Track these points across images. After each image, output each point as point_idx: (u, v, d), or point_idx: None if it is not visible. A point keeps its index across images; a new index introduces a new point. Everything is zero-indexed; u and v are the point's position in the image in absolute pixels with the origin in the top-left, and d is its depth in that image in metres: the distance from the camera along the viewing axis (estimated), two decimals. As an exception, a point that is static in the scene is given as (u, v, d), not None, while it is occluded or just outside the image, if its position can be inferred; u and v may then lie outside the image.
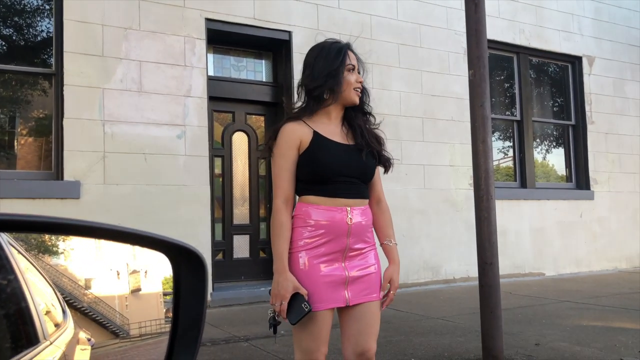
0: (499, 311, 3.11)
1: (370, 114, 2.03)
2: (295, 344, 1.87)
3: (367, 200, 1.95)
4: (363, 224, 1.89)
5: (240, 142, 5.98)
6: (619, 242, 7.85)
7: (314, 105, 1.92)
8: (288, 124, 1.90)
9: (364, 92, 2.00)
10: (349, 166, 1.88)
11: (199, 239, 5.11)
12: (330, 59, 1.91)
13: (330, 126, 1.93)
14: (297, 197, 1.91)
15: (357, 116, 1.98)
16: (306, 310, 1.72)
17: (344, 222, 1.84)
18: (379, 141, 2.00)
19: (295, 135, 1.87)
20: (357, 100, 1.94)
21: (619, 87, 8.15)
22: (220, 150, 5.83)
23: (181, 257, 0.84)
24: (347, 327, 1.89)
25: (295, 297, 1.74)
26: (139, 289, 0.97)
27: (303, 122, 1.90)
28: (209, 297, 5.13)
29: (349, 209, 1.85)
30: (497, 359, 3.05)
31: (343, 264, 1.85)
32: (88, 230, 0.78)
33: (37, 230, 0.81)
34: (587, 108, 7.85)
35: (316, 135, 1.88)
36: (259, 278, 5.74)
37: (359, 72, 1.97)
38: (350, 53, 1.95)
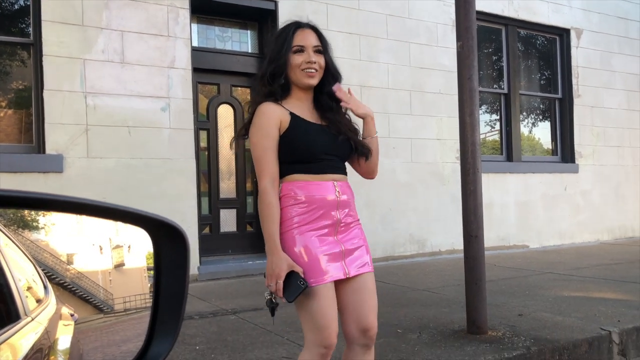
0: (484, 283, 3.16)
1: (333, 97, 1.93)
2: (304, 324, 1.84)
3: (346, 177, 1.96)
4: (349, 197, 1.91)
5: (225, 115, 5.90)
6: (601, 215, 7.98)
7: (278, 91, 1.89)
8: (266, 103, 1.87)
9: (329, 71, 1.92)
10: (329, 145, 1.88)
11: (185, 213, 5.08)
12: (277, 43, 1.90)
13: (304, 108, 1.92)
14: (280, 179, 1.87)
15: (322, 99, 1.95)
16: (303, 286, 1.72)
17: (333, 195, 1.85)
18: (353, 130, 1.96)
19: (275, 115, 1.84)
20: (309, 81, 1.88)
21: (606, 60, 8.16)
22: (205, 123, 5.76)
23: (161, 232, 0.83)
24: (345, 302, 1.88)
25: (290, 276, 1.74)
26: (122, 264, 0.96)
27: (279, 104, 1.88)
28: (196, 271, 5.13)
29: (335, 183, 1.87)
30: (481, 330, 3.11)
31: (336, 237, 1.86)
32: (67, 206, 0.76)
33: (16, 206, 0.79)
34: (574, 81, 7.86)
35: (293, 116, 1.87)
36: (246, 252, 5.74)
37: (321, 52, 1.90)
38: (300, 33, 1.90)
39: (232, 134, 5.92)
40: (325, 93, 1.95)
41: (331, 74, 1.94)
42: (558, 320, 3.44)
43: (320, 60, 1.90)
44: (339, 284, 1.86)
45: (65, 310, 0.91)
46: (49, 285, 0.91)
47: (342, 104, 1.93)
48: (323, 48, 1.92)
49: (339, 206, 1.86)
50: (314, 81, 1.89)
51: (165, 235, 0.82)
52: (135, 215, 0.81)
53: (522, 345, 2.93)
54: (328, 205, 1.84)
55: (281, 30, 1.94)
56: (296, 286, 1.72)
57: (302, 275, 1.74)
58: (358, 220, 1.97)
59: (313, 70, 1.88)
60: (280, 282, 1.73)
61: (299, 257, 1.78)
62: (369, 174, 2.05)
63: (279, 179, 1.85)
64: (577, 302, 3.95)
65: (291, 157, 1.85)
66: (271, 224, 1.79)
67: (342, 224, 1.87)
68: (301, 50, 1.88)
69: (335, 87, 1.93)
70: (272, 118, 1.84)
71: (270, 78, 1.89)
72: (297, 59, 1.87)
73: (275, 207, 1.80)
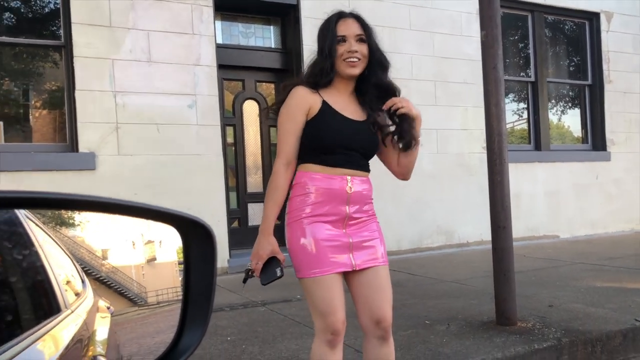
0: (512, 274, 3.13)
1: (383, 85, 1.94)
2: (312, 313, 1.88)
3: (367, 173, 1.95)
4: (363, 193, 1.90)
5: (251, 111, 5.96)
6: (635, 203, 7.77)
7: (322, 81, 1.90)
8: (301, 87, 1.89)
9: (374, 59, 1.90)
10: (352, 141, 1.88)
11: (214, 207, 5.17)
12: (322, 35, 1.92)
13: (340, 99, 1.92)
14: (298, 165, 1.90)
15: (367, 90, 1.94)
16: (278, 275, 1.80)
17: (344, 190, 1.85)
18: (385, 119, 1.97)
19: (305, 100, 1.86)
20: (351, 71, 1.88)
21: (638, 43, 7.91)
22: (231, 119, 5.83)
23: (190, 229, 0.86)
24: (358, 295, 1.91)
25: (272, 261, 1.81)
26: (154, 259, 0.99)
27: (315, 90, 1.90)
28: (226, 264, 5.22)
29: (349, 177, 1.87)
30: (511, 321, 3.09)
31: (345, 230, 1.87)
32: (97, 206, 0.80)
33: (50, 207, 0.83)
34: (604, 67, 7.65)
35: (325, 105, 1.87)
36: (273, 245, 5.80)
37: (364, 40, 1.89)
38: (343, 22, 1.90)
39: (258, 129, 5.98)
40: (374, 84, 1.93)
41: (377, 61, 1.92)
42: (590, 311, 3.38)
43: (363, 49, 1.89)
44: (350, 276, 1.89)
45: (102, 303, 0.95)
46: (86, 280, 0.95)
47: (400, 110, 1.89)
48: (366, 36, 1.90)
49: (350, 201, 1.86)
50: (357, 71, 1.89)
51: (193, 232, 0.85)
52: (164, 214, 0.84)
53: (552, 336, 2.90)
54: (337, 198, 1.84)
55: (325, 22, 1.95)
56: (272, 272, 1.80)
57: (282, 265, 1.81)
58: (374, 215, 1.96)
59: (355, 60, 1.87)
60: (260, 264, 1.81)
61: (305, 247, 1.81)
62: (404, 174, 2.05)
63: (295, 163, 1.88)
64: (610, 293, 3.88)
65: (310, 144, 1.87)
66: (272, 205, 1.84)
67: (351, 219, 1.88)
68: (343, 40, 1.88)
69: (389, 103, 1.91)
70: (302, 103, 1.86)
71: (320, 73, 1.89)
72: (339, 50, 1.88)
73: (281, 190, 1.85)
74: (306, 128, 1.86)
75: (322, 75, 1.89)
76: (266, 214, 1.84)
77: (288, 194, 1.90)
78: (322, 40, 1.91)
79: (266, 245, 1.81)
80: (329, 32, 1.90)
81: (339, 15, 1.93)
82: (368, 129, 1.92)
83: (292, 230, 1.85)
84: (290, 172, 1.87)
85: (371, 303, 1.89)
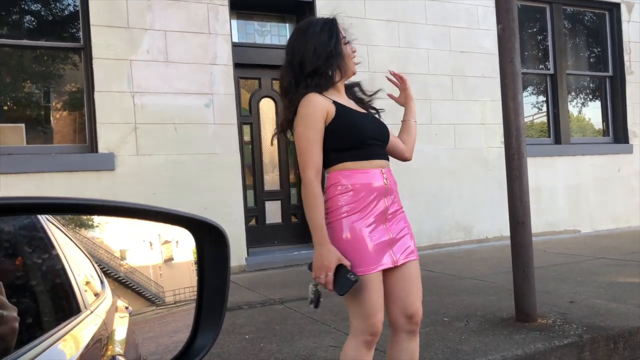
0: (532, 270, 3.10)
1: (358, 86, 2.08)
2: (352, 312, 1.86)
3: (389, 163, 1.99)
4: (394, 183, 1.95)
5: (267, 109, 5.98)
6: (659, 196, 7.62)
7: (325, 83, 1.89)
8: (313, 94, 1.85)
9: None
10: (375, 131, 1.93)
11: (232, 206, 5.21)
12: (326, 37, 1.89)
13: (343, 98, 1.96)
14: (326, 169, 1.90)
15: (350, 90, 2.04)
16: (353, 280, 1.71)
17: (382, 183, 1.86)
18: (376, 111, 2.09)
19: (322, 106, 1.84)
20: (356, 70, 1.99)
21: (660, 34, 7.74)
22: (248, 118, 5.86)
23: (202, 231, 0.87)
24: (393, 288, 1.89)
25: (339, 268, 1.73)
26: (171, 259, 1.01)
27: (323, 94, 1.89)
28: (243, 262, 5.26)
29: (383, 170, 1.89)
30: (530, 317, 3.06)
31: (385, 226, 1.86)
32: (112, 210, 0.81)
33: (63, 212, 0.85)
34: (625, 58, 7.50)
35: (338, 105, 1.87)
36: (291, 242, 5.83)
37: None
38: (340, 26, 1.96)
39: (275, 127, 5.99)
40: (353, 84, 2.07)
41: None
42: (612, 307, 3.33)
43: None
44: (386, 271, 1.87)
45: (121, 303, 0.97)
46: (105, 280, 0.97)
47: (401, 85, 2.14)
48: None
49: (387, 193, 1.87)
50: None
51: (206, 234, 0.87)
52: (176, 217, 0.85)
53: (573, 333, 2.86)
54: (377, 192, 1.84)
55: (322, 23, 1.93)
56: (346, 279, 1.72)
57: (351, 269, 1.74)
58: (402, 207, 1.98)
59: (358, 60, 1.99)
60: (331, 275, 1.72)
61: (348, 246, 1.78)
62: (406, 152, 2.11)
63: (321, 170, 1.86)
64: (633, 289, 3.81)
65: (341, 145, 1.85)
66: (318, 214, 1.78)
67: (390, 212, 1.88)
68: (347, 41, 1.96)
69: (392, 72, 2.15)
70: (319, 110, 1.83)
71: (317, 71, 1.87)
72: (347, 50, 1.94)
73: (320, 198, 1.80)
74: (328, 132, 1.84)
75: (331, 77, 1.89)
76: (317, 224, 1.77)
77: None
78: (322, 40, 1.88)
79: (330, 254, 1.73)
80: (332, 32, 1.91)
81: (333, 18, 1.97)
82: (376, 118, 2.01)
83: (334, 230, 1.81)
84: (320, 179, 1.85)
85: (404, 298, 1.89)
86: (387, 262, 1.83)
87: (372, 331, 1.81)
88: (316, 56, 1.86)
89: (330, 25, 1.93)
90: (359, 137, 1.85)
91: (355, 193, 1.82)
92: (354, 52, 1.97)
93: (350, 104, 1.96)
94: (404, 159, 2.13)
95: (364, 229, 1.80)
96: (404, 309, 1.89)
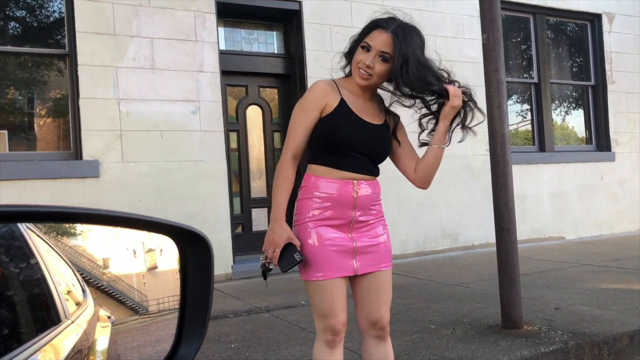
0: (517, 277, 3.12)
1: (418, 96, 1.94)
2: (313, 314, 1.93)
3: (375, 177, 1.94)
4: (370, 196, 1.89)
5: (254, 116, 5.97)
6: (641, 204, 7.73)
7: (348, 70, 1.96)
8: (322, 81, 1.91)
9: (401, 81, 1.83)
10: (362, 144, 1.87)
11: (218, 213, 5.18)
12: (360, 32, 1.91)
13: (359, 100, 1.91)
14: (308, 164, 1.92)
15: (379, 99, 1.99)
16: (298, 260, 1.77)
17: (350, 195, 1.85)
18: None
19: (322, 97, 1.86)
20: (360, 82, 1.86)
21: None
22: (234, 125, 5.84)
23: (186, 239, 0.86)
24: (358, 297, 1.95)
25: (288, 247, 1.79)
26: (155, 267, 0.99)
27: (335, 86, 1.90)
28: (229, 270, 5.22)
29: (355, 182, 1.86)
30: (517, 324, 3.07)
31: (350, 235, 1.88)
32: (94, 218, 0.80)
33: (44, 220, 0.83)
34: (607, 67, 7.63)
35: (342, 103, 1.87)
36: (278, 250, 5.80)
37: (386, 60, 1.83)
38: (378, 33, 1.84)
39: (262, 135, 5.99)
40: (404, 94, 1.91)
41: (408, 83, 1.85)
42: (597, 313, 3.36)
43: (381, 68, 1.84)
44: (352, 279, 1.92)
45: (103, 313, 0.96)
46: (87, 289, 0.95)
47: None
48: (393, 57, 1.83)
49: (356, 206, 1.86)
50: (365, 83, 1.87)
51: (189, 242, 0.86)
52: (159, 225, 0.84)
53: (559, 339, 2.88)
54: (343, 203, 1.84)
55: (370, 22, 1.91)
56: (291, 258, 1.78)
57: (299, 249, 1.79)
58: (381, 217, 1.96)
59: (366, 74, 1.84)
60: (278, 251, 1.79)
61: (310, 250, 1.82)
62: (423, 182, 1.99)
63: (301, 156, 1.89)
64: (617, 295, 3.85)
65: (319, 142, 1.86)
66: (281, 193, 1.83)
67: (357, 223, 1.88)
68: (367, 49, 1.85)
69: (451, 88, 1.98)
70: (319, 98, 1.86)
71: (346, 54, 1.95)
72: (358, 56, 1.86)
73: (289, 180, 1.85)
74: (319, 124, 1.86)
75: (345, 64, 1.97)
76: (277, 202, 1.83)
77: (295, 194, 1.92)
78: (356, 36, 1.92)
79: (281, 232, 1.79)
80: (363, 31, 1.89)
81: (381, 25, 1.86)
82: (383, 133, 1.93)
83: (298, 232, 1.86)
84: (297, 164, 1.88)
85: (368, 305, 1.93)
86: (346, 270, 1.85)
87: (331, 330, 1.86)
88: (349, 42, 1.95)
89: (368, 24, 1.90)
90: (338, 143, 1.84)
91: (322, 201, 1.84)
92: (365, 65, 1.82)
93: (363, 109, 1.89)
94: (420, 186, 2.01)
95: (324, 236, 1.83)
96: (367, 315, 1.93)
